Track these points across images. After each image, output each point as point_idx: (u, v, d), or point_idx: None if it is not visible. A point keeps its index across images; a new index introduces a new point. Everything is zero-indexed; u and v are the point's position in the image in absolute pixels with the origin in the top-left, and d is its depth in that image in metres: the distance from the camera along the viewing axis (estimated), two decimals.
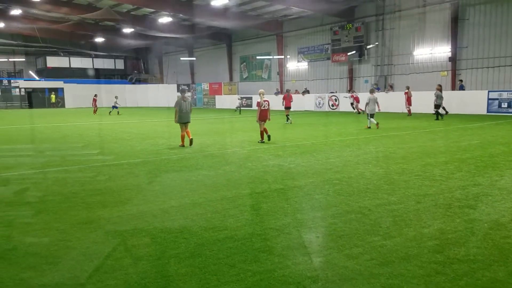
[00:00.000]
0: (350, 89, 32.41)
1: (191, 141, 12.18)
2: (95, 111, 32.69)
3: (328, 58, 35.36)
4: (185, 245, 4.33)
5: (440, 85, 22.24)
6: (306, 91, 35.65)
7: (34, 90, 48.01)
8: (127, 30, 41.95)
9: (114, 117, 28.29)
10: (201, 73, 50.57)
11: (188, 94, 12.11)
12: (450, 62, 27.42)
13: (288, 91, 23.34)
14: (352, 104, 28.91)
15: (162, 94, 49.23)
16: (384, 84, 31.15)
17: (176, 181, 7.55)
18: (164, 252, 4.17)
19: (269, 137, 13.06)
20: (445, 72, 27.99)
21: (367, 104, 17.02)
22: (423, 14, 28.59)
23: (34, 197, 6.60)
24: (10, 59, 49.58)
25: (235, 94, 42.19)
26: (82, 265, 3.89)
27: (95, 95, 34.32)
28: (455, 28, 26.83)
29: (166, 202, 6.04)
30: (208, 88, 46.01)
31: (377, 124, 16.62)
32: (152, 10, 35.24)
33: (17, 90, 47.20)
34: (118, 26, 42.33)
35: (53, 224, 5.05)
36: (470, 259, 3.91)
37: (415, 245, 4.27)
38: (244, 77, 44.96)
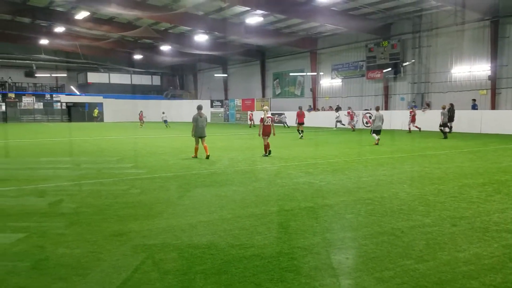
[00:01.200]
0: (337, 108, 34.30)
1: (207, 157, 12.78)
2: (141, 125, 34.97)
3: (363, 75, 35.03)
4: (212, 261, 4.31)
5: (445, 105, 22.27)
6: (339, 108, 35.35)
7: (75, 104, 50.07)
8: (164, 47, 43.26)
9: (146, 131, 28.96)
10: (234, 89, 51.21)
11: (203, 111, 13.59)
12: (490, 81, 26.54)
13: (300, 108, 23.83)
14: (338, 121, 31.41)
15: (195, 110, 49.99)
16: (421, 102, 30.47)
17: (206, 196, 7.59)
18: (190, 268, 4.16)
19: (269, 152, 13.56)
20: (485, 91, 27.09)
21: (373, 120, 17.79)
22: (462, 32, 27.94)
23: (68, 208, 6.79)
24: (53, 75, 51.98)
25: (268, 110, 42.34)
26: (110, 278, 3.94)
27: (141, 111, 36.78)
28: (495, 46, 26.02)
29: (195, 217, 6.07)
30: (240, 104, 46.49)
31: (378, 140, 17.20)
32: (189, 28, 36.21)
33: (59, 104, 49.34)
34: (155, 44, 43.76)
35: (85, 235, 5.17)
36: (508, 286, 3.70)
37: (449, 270, 4.08)
38: (277, 93, 45.18)
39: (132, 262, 4.35)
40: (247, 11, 30.44)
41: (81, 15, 31.62)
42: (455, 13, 27.25)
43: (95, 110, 50.08)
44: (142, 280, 3.85)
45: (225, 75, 51.30)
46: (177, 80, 61.34)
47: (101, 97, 50.94)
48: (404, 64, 31.75)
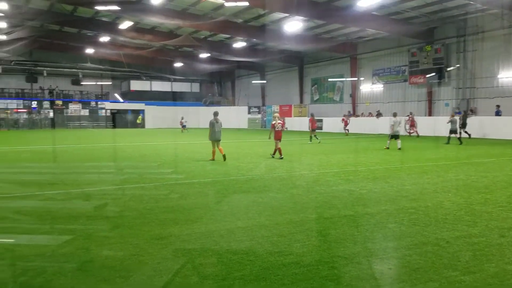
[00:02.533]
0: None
1: (224, 157, 13.76)
2: (182, 130, 37.49)
3: (405, 80, 34.17)
4: (250, 268, 4.30)
5: (453, 113, 22.80)
6: (379, 114, 34.64)
7: (118, 111, 51.86)
8: (204, 55, 44.05)
9: (187, 137, 29.49)
10: (272, 95, 51.32)
11: (219, 117, 14.57)
12: None
13: (312, 115, 25.04)
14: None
15: (233, 116, 50.60)
16: (466, 108, 29.32)
17: (243, 202, 7.61)
18: (229, 273, 4.17)
19: (276, 153, 14.66)
20: None
21: (392, 126, 18.59)
22: (509, 35, 26.74)
23: (112, 212, 7.00)
24: (98, 83, 54.13)
25: (305, 116, 42.15)
26: (152, 281, 4.01)
27: (182, 117, 39.10)
28: None
29: (233, 222, 6.09)
30: (278, 110, 46.47)
31: (388, 147, 18.19)
32: (228, 35, 36.72)
33: (103, 111, 51.31)
34: (195, 52, 44.65)
35: (128, 238, 5.30)
36: None
37: (497, 283, 3.88)
38: (315, 99, 44.86)
39: (173, 265, 4.41)
40: (286, 17, 30.50)
41: (125, 24, 32.79)
42: (501, 16, 26.12)
43: (139, 116, 51.73)
44: (182, 285, 3.90)
45: (263, 81, 51.54)
46: (216, 87, 62.26)
47: (143, 104, 52.50)
48: (449, 69, 30.71)
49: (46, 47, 42.37)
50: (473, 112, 28.28)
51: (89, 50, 42.70)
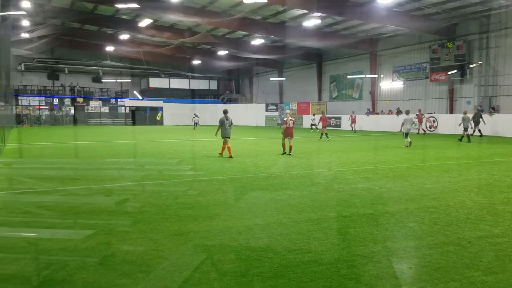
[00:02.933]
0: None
1: (230, 155, 14.23)
2: (194, 127, 38.76)
3: (426, 77, 33.59)
4: (269, 265, 4.30)
5: (466, 110, 22.53)
6: (400, 112, 34.15)
7: (137, 108, 52.48)
8: (222, 52, 44.17)
9: (203, 134, 29.63)
10: (290, 92, 51.13)
11: (228, 114, 15.22)
12: None
13: (323, 112, 26.74)
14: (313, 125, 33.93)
15: (251, 113, 50.62)
16: (488, 106, 28.67)
17: (261, 199, 7.62)
18: (248, 270, 4.18)
19: (290, 149, 14.99)
20: None
21: (402, 124, 18.74)
22: None
23: (132, 207, 7.10)
24: (117, 80, 54.87)
25: (324, 113, 41.84)
26: (172, 276, 4.06)
27: (194, 114, 40.27)
28: None
29: (251, 219, 6.10)
30: (296, 108, 46.27)
31: (410, 143, 18.35)
32: (246, 33, 36.71)
33: (123, 108, 52.01)
34: (213, 49, 44.81)
35: (148, 234, 5.37)
36: None
37: None
38: (333, 96, 44.50)
39: (192, 261, 4.46)
40: (304, 14, 30.30)
41: (144, 22, 33.12)
42: None
43: (158, 114, 52.29)
44: (201, 280, 3.93)
45: (281, 78, 51.40)
46: (233, 84, 62.39)
47: (162, 101, 52.99)
48: (471, 66, 30.03)
49: (67, 45, 43.18)
50: (495, 110, 27.62)
51: (109, 48, 43.31)
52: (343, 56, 41.85)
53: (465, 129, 21.31)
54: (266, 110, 50.00)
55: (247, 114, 51.35)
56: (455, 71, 30.62)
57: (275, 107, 49.40)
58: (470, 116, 22.52)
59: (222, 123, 14.69)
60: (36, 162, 14.00)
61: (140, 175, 10.89)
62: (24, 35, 34.69)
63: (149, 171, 11.82)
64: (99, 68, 51.06)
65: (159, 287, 3.82)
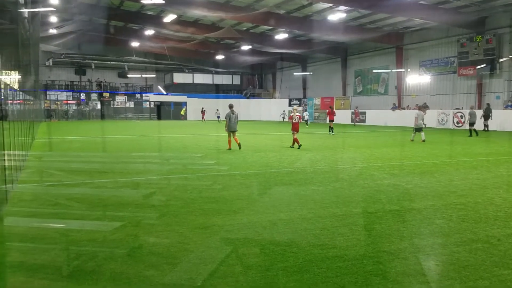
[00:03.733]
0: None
1: (239, 145, 14.94)
2: (203, 120, 43.48)
3: (454, 72, 32.73)
4: (293, 259, 4.30)
5: (472, 105, 23.42)
6: (426, 107, 33.42)
7: (162, 103, 53.14)
8: (245, 47, 44.16)
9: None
10: (314, 87, 50.71)
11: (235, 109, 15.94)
12: None
13: (331, 107, 26.82)
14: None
15: (274, 109, 50.52)
16: None
17: (285, 194, 7.61)
18: (272, 264, 4.19)
19: (298, 145, 15.57)
20: None
21: (416, 118, 18.74)
22: None
23: (158, 201, 7.22)
24: (142, 75, 55.64)
25: (348, 108, 41.43)
26: (197, 268, 4.11)
27: (203, 108, 44.54)
28: None
29: (275, 214, 6.11)
30: (319, 103, 45.91)
31: (413, 140, 18.49)
32: (270, 27, 36.57)
33: (147, 103, 52.76)
34: (237, 44, 44.84)
35: (174, 227, 5.45)
36: None
37: None
38: (358, 91, 43.90)
39: (217, 254, 4.50)
40: (329, 8, 29.94)
41: (169, 18, 33.40)
42: None
43: (183, 109, 52.82)
44: (226, 273, 3.96)
45: (305, 73, 51.03)
46: (256, 79, 62.33)
47: (185, 96, 53.46)
48: (501, 60, 29.08)
49: (94, 40, 43.98)
50: None
51: (135, 43, 43.90)
52: (368, 50, 41.19)
53: (472, 124, 21.76)
54: (289, 105, 49.77)
55: (271, 109, 51.26)
56: (484, 65, 29.74)
57: (298, 102, 49.14)
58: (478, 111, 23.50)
59: (229, 118, 15.12)
60: (65, 155, 14.38)
61: (165, 169, 11.04)
62: (52, 31, 35.53)
63: (174, 165, 11.97)
64: (125, 63, 51.85)
65: (185, 279, 3.88)
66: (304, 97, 50.70)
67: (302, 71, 51.23)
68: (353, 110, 38.68)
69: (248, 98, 57.48)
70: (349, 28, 34.23)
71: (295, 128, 15.92)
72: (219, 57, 49.34)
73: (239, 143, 15.00)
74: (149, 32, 39.75)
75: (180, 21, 35.74)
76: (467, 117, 22.55)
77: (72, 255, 4.52)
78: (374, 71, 41.10)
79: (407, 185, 8.35)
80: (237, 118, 15.41)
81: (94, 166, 11.86)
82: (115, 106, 51.48)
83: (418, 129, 18.59)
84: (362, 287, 3.65)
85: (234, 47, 46.15)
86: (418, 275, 3.92)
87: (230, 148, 14.97)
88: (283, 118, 44.98)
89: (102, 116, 50.31)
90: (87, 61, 50.75)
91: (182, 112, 52.62)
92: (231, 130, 15.10)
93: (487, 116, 23.98)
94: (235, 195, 7.50)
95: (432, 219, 5.90)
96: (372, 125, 35.63)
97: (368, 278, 3.85)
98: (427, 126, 29.34)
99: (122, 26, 40.19)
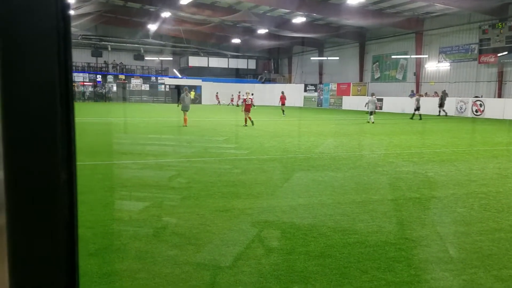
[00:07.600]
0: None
1: (252, 122, 18.19)
2: (218, 103, 45.18)
3: (475, 59, 32.01)
4: (315, 244, 4.33)
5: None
6: (446, 94, 32.86)
7: (177, 87, 53.23)
8: (261, 31, 43.76)
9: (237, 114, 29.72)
10: (330, 73, 50.13)
11: (187, 92, 19.61)
12: None
13: (282, 92, 29.78)
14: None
15: (289, 94, 50.13)
16: None
17: (303, 180, 7.63)
18: (294, 248, 4.23)
19: (251, 122, 18.33)
20: None
21: (366, 104, 22.08)
22: None
23: (179, 183, 7.31)
24: (158, 58, 55.67)
25: (364, 95, 40.92)
26: (220, 250, 4.17)
27: (217, 93, 46.51)
28: None
29: (294, 199, 6.14)
30: (335, 89, 45.41)
31: (373, 122, 21.12)
32: (287, 10, 36.11)
33: (163, 86, 52.87)
34: (253, 27, 44.45)
35: (195, 209, 5.52)
36: None
37: None
38: (375, 77, 43.27)
39: (238, 237, 4.56)
40: None
41: (186, 0, 33.21)
42: None
43: (192, 92, 52.71)
44: (249, 255, 4.02)
45: (322, 58, 50.38)
46: (272, 64, 61.85)
47: (200, 80, 53.41)
48: None
49: (111, 22, 44.04)
50: None
51: (151, 26, 43.85)
52: (387, 36, 40.41)
53: (417, 109, 25.18)
54: (305, 90, 49.42)
55: (286, 94, 50.90)
56: (506, 53, 29.00)
57: (314, 88, 48.71)
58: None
59: (183, 99, 18.51)
60: (84, 136, 14.57)
61: (184, 152, 11.15)
62: (70, 12, 35.59)
63: (192, 149, 12.06)
64: (141, 46, 51.91)
65: (208, 260, 3.95)
66: (320, 82, 50.21)
67: (319, 56, 50.61)
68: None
69: (263, 83, 57.16)
70: (368, 12, 33.61)
71: (247, 109, 18.54)
72: (235, 40, 49.01)
73: (252, 120, 18.04)
74: (166, 14, 39.60)
75: (197, 3, 35.50)
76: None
77: (98, 234, 4.63)
78: (392, 57, 40.39)
79: (427, 173, 8.29)
80: (190, 100, 18.75)
81: (114, 148, 12.01)
82: (131, 89, 51.74)
83: (371, 112, 21.66)
84: (385, 273, 3.66)
85: (251, 31, 45.76)
86: (441, 263, 3.92)
87: (186, 125, 17.37)
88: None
89: (119, 99, 50.64)
90: (103, 43, 50.92)
91: (192, 95, 52.60)
92: (184, 110, 18.05)
93: (442, 103, 27.62)
94: (254, 179, 7.54)
95: (454, 207, 5.86)
96: (390, 112, 35.20)
97: (391, 264, 3.86)
98: (447, 114, 29.08)
99: (139, 8, 40.13)
